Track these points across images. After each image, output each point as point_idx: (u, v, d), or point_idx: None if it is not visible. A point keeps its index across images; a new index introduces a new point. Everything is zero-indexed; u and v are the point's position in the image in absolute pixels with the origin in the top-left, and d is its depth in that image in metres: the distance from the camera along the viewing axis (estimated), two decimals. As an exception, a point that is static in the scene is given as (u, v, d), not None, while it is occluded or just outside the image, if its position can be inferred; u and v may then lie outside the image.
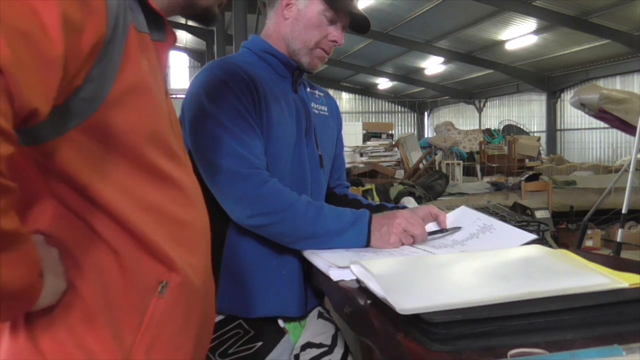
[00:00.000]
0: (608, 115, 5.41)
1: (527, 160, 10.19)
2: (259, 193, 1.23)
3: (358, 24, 1.42)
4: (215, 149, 1.25)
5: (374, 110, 24.31)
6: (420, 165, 7.86)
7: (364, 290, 0.93)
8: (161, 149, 0.81)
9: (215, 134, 1.25)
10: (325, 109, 1.57)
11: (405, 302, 0.75)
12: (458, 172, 8.16)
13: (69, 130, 0.70)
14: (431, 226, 1.39)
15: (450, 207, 1.62)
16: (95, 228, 0.75)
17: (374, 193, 5.30)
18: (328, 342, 1.41)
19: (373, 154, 9.43)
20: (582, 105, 5.62)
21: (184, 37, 19.74)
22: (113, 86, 0.71)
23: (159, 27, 0.85)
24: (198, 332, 0.86)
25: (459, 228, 1.35)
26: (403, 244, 1.27)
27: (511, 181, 7.26)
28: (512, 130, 13.30)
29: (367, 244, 1.26)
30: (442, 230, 1.35)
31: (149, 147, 0.78)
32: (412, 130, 22.51)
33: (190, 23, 17.56)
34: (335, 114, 1.61)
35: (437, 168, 7.70)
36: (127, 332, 0.76)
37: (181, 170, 0.85)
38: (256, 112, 1.31)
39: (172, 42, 0.89)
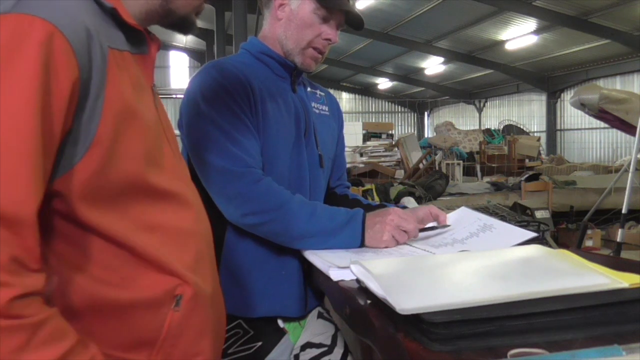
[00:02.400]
0: (608, 115, 5.42)
1: (527, 160, 10.19)
2: (252, 191, 1.23)
3: (351, 21, 1.41)
4: (209, 149, 1.25)
5: (374, 110, 24.31)
6: (420, 165, 7.85)
7: (364, 290, 0.93)
8: (158, 165, 0.82)
9: (210, 134, 1.26)
10: (326, 109, 1.57)
11: (405, 302, 0.75)
12: (458, 172, 8.16)
13: (67, 170, 0.71)
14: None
15: (450, 207, 1.62)
16: (100, 258, 0.75)
17: (374, 193, 5.30)
18: (328, 342, 1.41)
19: (373, 154, 9.43)
20: (582, 105, 5.62)
21: (183, 37, 19.73)
22: (101, 118, 0.72)
23: (139, 40, 0.85)
24: (214, 335, 0.88)
25: (449, 226, 1.35)
26: (397, 241, 1.26)
27: (511, 181, 7.25)
28: (512, 130, 13.30)
29: (362, 244, 1.26)
30: (433, 227, 1.35)
31: (147, 169, 0.79)
32: (412, 130, 22.51)
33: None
34: (336, 114, 1.61)
35: (437, 168, 7.70)
36: (143, 348, 0.78)
37: (178, 179, 0.86)
38: (252, 112, 1.31)
39: (155, 52, 0.89)
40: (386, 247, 1.25)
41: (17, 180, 0.64)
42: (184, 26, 0.93)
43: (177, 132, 1.38)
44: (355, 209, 1.31)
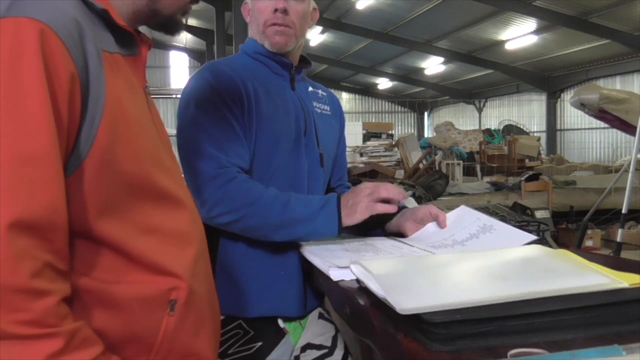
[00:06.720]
0: (608, 115, 5.42)
1: (527, 160, 10.21)
2: (224, 192, 1.24)
3: None
4: (193, 152, 1.27)
5: (374, 110, 24.31)
6: (420, 165, 7.86)
7: (364, 290, 0.93)
8: (157, 166, 0.82)
9: (195, 137, 1.27)
10: (328, 109, 1.57)
11: (406, 302, 0.75)
12: (458, 172, 8.18)
13: (69, 175, 0.71)
14: (431, 226, 1.39)
15: (450, 207, 1.62)
16: (99, 262, 0.75)
17: (374, 193, 5.30)
18: (328, 343, 1.41)
19: (373, 154, 9.44)
20: (582, 105, 5.63)
21: (184, 37, 19.74)
22: (101, 122, 0.72)
23: (129, 41, 0.85)
24: (210, 335, 0.88)
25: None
26: (377, 210, 1.25)
27: (511, 181, 7.27)
28: (512, 130, 13.32)
29: (339, 226, 1.26)
30: None
31: (151, 169, 0.80)
32: (412, 130, 22.51)
33: (190, 23, 17.59)
34: (338, 114, 1.62)
35: (437, 168, 7.71)
36: (141, 352, 0.78)
37: (173, 181, 0.86)
38: (244, 114, 1.32)
39: (146, 53, 0.89)
40: (364, 220, 1.25)
41: (46, 186, 0.65)
42: (170, 26, 0.92)
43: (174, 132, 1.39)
44: (330, 194, 1.32)
